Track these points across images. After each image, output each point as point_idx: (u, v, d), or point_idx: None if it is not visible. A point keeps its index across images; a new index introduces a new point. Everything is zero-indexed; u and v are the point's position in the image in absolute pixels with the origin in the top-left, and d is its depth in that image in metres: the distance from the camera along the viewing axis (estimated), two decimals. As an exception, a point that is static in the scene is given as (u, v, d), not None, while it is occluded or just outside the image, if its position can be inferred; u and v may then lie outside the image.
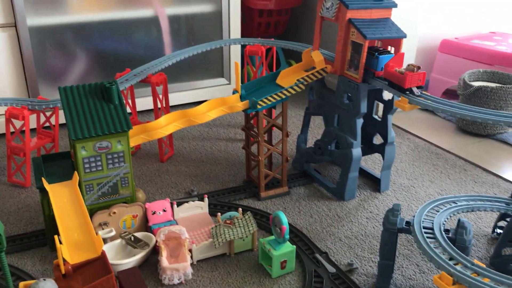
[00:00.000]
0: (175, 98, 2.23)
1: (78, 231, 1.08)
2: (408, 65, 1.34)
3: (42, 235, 1.35)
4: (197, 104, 1.45)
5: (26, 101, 1.58)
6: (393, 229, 1.12)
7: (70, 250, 1.03)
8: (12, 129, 1.55)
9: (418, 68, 1.33)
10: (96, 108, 1.27)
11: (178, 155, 1.84)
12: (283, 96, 1.46)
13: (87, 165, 1.25)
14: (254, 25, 2.51)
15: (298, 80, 1.48)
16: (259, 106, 1.44)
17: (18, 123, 1.60)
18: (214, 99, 1.47)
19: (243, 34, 2.45)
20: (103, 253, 1.02)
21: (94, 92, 1.30)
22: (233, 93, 1.50)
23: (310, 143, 1.88)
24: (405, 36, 1.43)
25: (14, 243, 1.31)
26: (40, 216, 1.45)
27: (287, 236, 1.21)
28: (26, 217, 1.44)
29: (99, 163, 1.26)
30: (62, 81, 2.02)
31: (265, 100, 1.44)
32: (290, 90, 1.46)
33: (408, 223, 1.13)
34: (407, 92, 1.33)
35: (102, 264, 1.00)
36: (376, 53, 1.43)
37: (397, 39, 1.45)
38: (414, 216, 1.13)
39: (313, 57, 1.53)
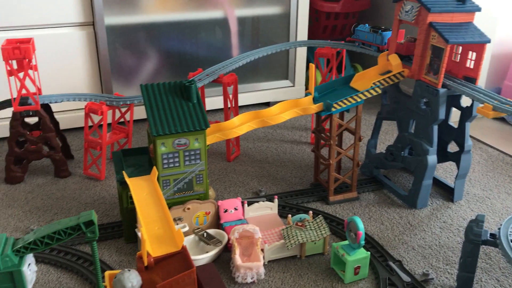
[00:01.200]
0: (239, 99, 2.25)
1: (159, 225, 1.11)
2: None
3: (117, 226, 1.40)
4: (261, 106, 1.46)
5: (104, 97, 1.64)
6: (477, 240, 1.08)
7: (151, 243, 1.06)
8: (89, 124, 1.62)
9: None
10: (176, 106, 1.30)
11: (244, 155, 1.86)
12: (358, 100, 1.44)
13: (165, 161, 1.28)
14: (320, 28, 2.50)
15: (374, 83, 1.46)
16: (333, 109, 1.42)
17: (95, 118, 1.67)
18: (286, 101, 1.47)
19: (309, 37, 2.44)
20: (184, 248, 1.04)
21: (173, 90, 1.34)
22: (306, 95, 1.49)
23: (380, 148, 1.85)
24: (489, 41, 1.38)
25: (92, 233, 1.37)
26: (115, 208, 1.50)
27: (363, 242, 1.19)
28: (102, 209, 1.49)
29: (176, 159, 1.29)
30: (134, 79, 2.08)
31: (340, 103, 1.43)
32: (366, 93, 1.44)
33: (493, 235, 1.09)
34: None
35: (183, 258, 1.02)
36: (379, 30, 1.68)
37: (479, 44, 1.40)
38: (499, 229, 1.09)
39: (390, 60, 1.50)
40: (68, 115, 1.98)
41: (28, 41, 1.55)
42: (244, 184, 1.65)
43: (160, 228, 1.10)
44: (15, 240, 0.94)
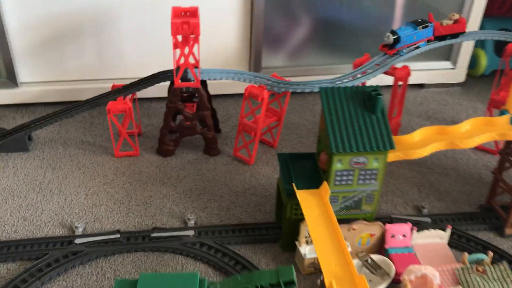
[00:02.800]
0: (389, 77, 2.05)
1: (336, 261, 1.01)
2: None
3: (272, 229, 1.34)
4: (413, 88, 1.25)
5: (264, 80, 1.54)
6: None
7: (328, 282, 0.98)
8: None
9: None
10: (357, 118, 1.16)
11: (397, 152, 1.69)
12: None
13: (338, 178, 1.17)
14: (496, 3, 2.15)
15: None
16: (539, 139, 1.21)
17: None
18: (477, 119, 1.27)
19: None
20: (366, 299, 0.95)
21: (355, 98, 1.19)
22: (502, 113, 1.27)
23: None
24: None
25: (247, 233, 1.32)
26: (266, 203, 1.44)
27: None
28: (253, 202, 1.44)
29: (350, 177, 1.17)
30: (282, 49, 1.95)
31: (549, 133, 1.20)
32: None
33: None
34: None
35: (365, 311, 0.94)
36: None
37: None
38: None
39: None
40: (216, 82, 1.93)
41: (195, 11, 1.46)
42: (403, 193, 1.50)
43: (337, 265, 1.01)
44: (209, 284, 0.89)
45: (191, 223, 1.34)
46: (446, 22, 1.63)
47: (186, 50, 1.46)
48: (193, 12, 1.47)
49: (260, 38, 1.88)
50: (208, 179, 1.53)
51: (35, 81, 1.84)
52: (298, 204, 1.17)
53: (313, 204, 1.15)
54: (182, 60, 1.46)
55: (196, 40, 1.43)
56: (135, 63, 1.85)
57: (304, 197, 1.17)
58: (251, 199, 1.45)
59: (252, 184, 1.51)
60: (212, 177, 1.53)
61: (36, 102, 1.85)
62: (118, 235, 1.28)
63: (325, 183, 1.17)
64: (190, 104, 1.66)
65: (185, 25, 1.40)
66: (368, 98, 1.17)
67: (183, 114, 1.55)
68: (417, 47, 1.59)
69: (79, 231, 1.30)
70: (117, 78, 1.86)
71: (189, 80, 1.50)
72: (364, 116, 1.17)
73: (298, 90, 1.50)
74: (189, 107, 1.65)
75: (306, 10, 1.90)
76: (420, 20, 1.58)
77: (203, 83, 1.58)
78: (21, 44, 1.76)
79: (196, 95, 1.53)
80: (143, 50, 1.83)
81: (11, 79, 1.78)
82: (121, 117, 1.59)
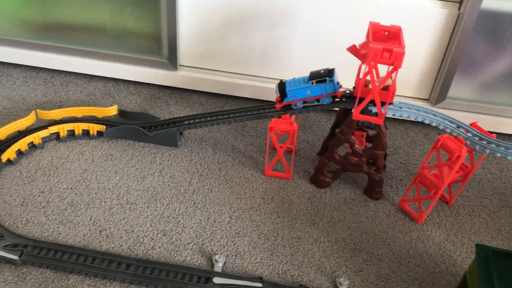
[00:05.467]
0: None
1: None
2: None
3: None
4: None
5: (461, 130, 1.25)
6: None
7: None
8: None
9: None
10: None
11: None
12: None
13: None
14: None
15: None
16: None
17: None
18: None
19: None
20: None
21: None
22: None
23: None
24: None
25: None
26: (436, 283, 1.18)
27: None
28: (419, 277, 1.18)
29: None
30: (475, 84, 1.60)
31: None
32: None
33: None
34: None
35: None
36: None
37: None
38: None
39: None
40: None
41: (397, 33, 1.20)
42: None
43: None
44: None
45: (343, 290, 1.14)
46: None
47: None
48: (394, 34, 1.21)
49: (455, 63, 1.55)
50: (367, 230, 1.30)
51: (194, 67, 1.71)
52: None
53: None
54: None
55: (394, 71, 1.17)
56: (302, 68, 1.62)
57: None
58: (416, 272, 1.21)
59: (418, 251, 1.26)
60: (371, 229, 1.31)
61: (191, 89, 1.74)
62: (260, 284, 1.12)
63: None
64: (358, 133, 1.42)
65: (386, 52, 1.14)
66: None
67: (353, 149, 1.33)
68: (319, 101, 1.32)
69: (219, 266, 1.16)
70: (280, 78, 1.67)
71: (370, 114, 1.26)
72: None
73: (509, 158, 1.19)
74: (357, 137, 1.42)
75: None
76: (322, 71, 1.29)
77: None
78: (188, 28, 1.63)
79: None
80: (314, 56, 1.60)
81: (172, 61, 1.68)
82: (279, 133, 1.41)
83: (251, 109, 1.43)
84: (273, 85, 1.65)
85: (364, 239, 1.27)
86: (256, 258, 1.20)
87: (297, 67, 1.64)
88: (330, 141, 1.45)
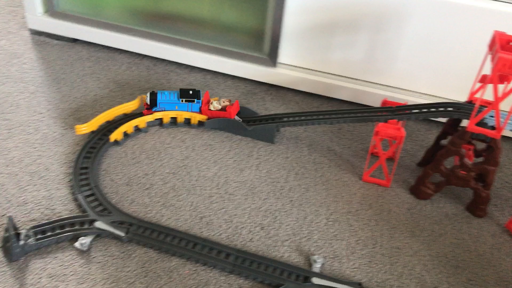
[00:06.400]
0: None
1: None
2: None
3: None
4: None
5: None
6: None
7: None
8: None
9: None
10: None
11: None
12: None
13: None
14: None
15: None
16: None
17: None
18: None
19: None
20: None
21: None
22: None
23: None
24: None
25: None
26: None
27: None
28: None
29: None
30: None
31: None
32: None
33: None
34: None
35: None
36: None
37: None
38: None
39: None
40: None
41: (524, 44, 1.14)
42: None
43: None
44: None
45: (447, 307, 1.09)
46: (214, 105, 1.50)
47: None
48: (522, 45, 1.15)
49: None
50: (470, 248, 1.24)
51: (293, 65, 1.71)
52: None
53: None
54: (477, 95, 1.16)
55: (521, 84, 1.12)
56: (408, 74, 1.59)
57: None
58: (521, 300, 1.14)
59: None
60: (475, 248, 1.24)
61: (288, 87, 1.73)
62: (359, 290, 1.10)
63: None
64: (466, 146, 1.36)
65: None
66: None
67: (462, 162, 1.27)
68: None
69: (317, 267, 1.14)
70: (380, 84, 1.64)
71: (486, 127, 1.20)
72: None
73: None
74: (465, 149, 1.36)
75: None
76: (191, 92, 1.48)
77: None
78: (293, 25, 1.63)
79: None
80: (421, 62, 1.55)
81: (272, 58, 1.68)
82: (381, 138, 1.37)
83: (354, 111, 1.40)
84: (373, 89, 1.63)
85: (467, 257, 1.21)
86: (354, 263, 1.17)
87: (400, 75, 1.60)
88: (433, 152, 1.40)
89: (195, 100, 1.49)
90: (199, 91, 1.50)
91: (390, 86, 1.64)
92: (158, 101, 1.48)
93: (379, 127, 1.30)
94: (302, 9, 1.59)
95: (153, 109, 1.48)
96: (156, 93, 1.48)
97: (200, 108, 1.50)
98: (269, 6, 1.60)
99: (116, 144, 1.42)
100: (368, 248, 1.21)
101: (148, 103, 1.48)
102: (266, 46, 1.68)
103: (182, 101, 1.48)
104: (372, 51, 1.60)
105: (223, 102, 1.50)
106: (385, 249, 1.21)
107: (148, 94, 1.48)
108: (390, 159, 1.46)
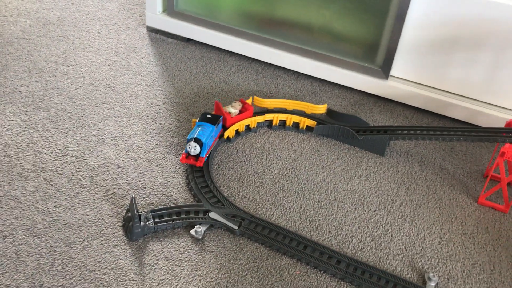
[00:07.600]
0: None
1: None
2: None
3: None
4: None
5: None
6: None
7: None
8: None
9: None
10: None
11: None
12: None
13: None
14: None
15: None
16: None
17: None
18: None
19: None
20: None
21: None
22: None
23: None
24: None
25: None
26: None
27: None
28: None
29: None
30: None
31: None
32: None
33: None
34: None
35: None
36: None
37: None
38: None
39: None
40: None
41: None
42: None
43: None
44: None
45: None
46: (232, 111, 1.46)
47: None
48: None
49: None
50: None
51: (406, 79, 1.67)
52: None
53: None
54: None
55: None
56: (531, 97, 1.51)
57: None
58: None
59: None
60: None
61: (398, 101, 1.70)
62: (478, 316, 1.04)
63: None
64: None
65: None
66: None
67: None
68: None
69: (432, 285, 1.09)
70: (501, 106, 1.56)
71: None
72: None
73: None
74: None
75: None
76: (209, 116, 1.36)
77: None
78: (410, 38, 1.59)
79: None
80: (549, 86, 1.47)
81: (384, 70, 1.65)
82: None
83: (475, 130, 1.34)
84: (491, 111, 1.55)
85: None
86: (471, 287, 1.11)
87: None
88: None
89: (219, 119, 1.37)
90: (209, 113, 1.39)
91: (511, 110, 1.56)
92: (204, 141, 1.29)
93: (506, 147, 1.24)
94: (423, 23, 1.56)
95: (203, 154, 1.30)
96: (198, 137, 1.29)
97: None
98: (388, 18, 1.58)
99: (227, 141, 1.45)
100: (486, 273, 1.14)
101: (199, 152, 1.29)
102: (379, 58, 1.65)
103: (217, 126, 1.36)
104: (495, 71, 1.53)
105: (238, 105, 1.48)
106: (504, 277, 1.14)
107: (195, 144, 1.28)
108: (509, 184, 1.38)
